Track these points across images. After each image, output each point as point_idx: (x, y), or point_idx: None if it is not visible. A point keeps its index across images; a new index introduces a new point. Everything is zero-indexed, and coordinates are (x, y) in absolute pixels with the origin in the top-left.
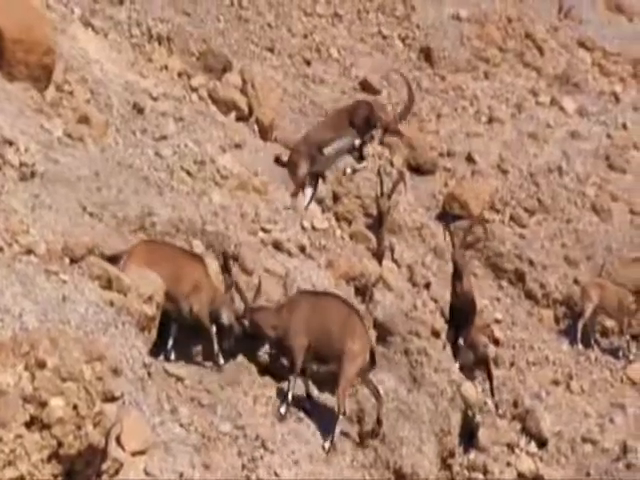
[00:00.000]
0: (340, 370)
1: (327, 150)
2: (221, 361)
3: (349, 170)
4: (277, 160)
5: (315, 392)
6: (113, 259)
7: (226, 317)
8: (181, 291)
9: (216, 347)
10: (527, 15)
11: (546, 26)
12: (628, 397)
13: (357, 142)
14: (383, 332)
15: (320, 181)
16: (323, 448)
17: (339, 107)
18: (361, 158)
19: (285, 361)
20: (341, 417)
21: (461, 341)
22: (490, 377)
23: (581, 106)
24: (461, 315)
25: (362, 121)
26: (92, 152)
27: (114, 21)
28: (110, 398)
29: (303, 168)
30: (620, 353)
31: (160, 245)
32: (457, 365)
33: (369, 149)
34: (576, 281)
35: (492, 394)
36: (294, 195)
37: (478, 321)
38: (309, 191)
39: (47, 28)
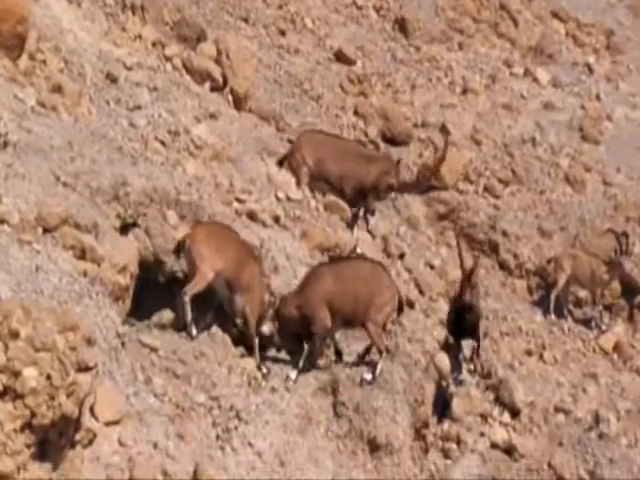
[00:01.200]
0: (367, 318)
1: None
2: (264, 370)
3: None
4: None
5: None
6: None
7: (267, 327)
8: (239, 284)
9: (257, 354)
10: None
11: None
12: (600, 367)
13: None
14: None
15: None
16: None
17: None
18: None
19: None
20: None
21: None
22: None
23: (555, 77)
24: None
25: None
26: (65, 122)
27: None
28: (84, 368)
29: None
30: (593, 323)
31: (224, 230)
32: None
33: None
34: (549, 252)
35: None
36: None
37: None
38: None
39: None
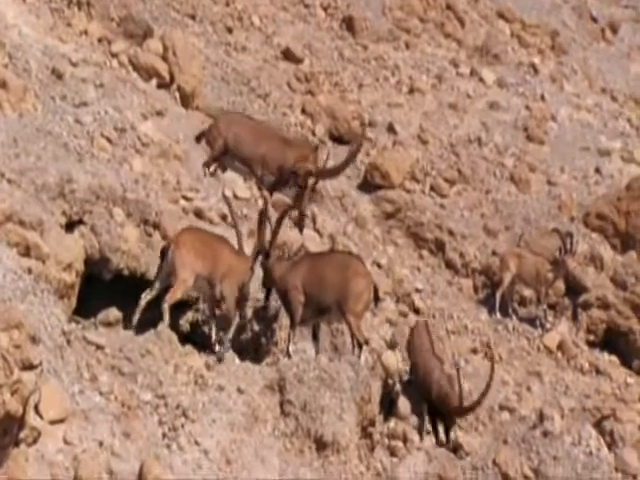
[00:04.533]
0: (347, 310)
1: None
2: (221, 351)
3: None
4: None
5: (236, 361)
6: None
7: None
8: (217, 277)
9: (231, 333)
10: None
11: None
12: (544, 365)
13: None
14: None
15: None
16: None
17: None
18: None
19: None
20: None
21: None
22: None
23: (500, 77)
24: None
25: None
26: (10, 118)
27: None
28: (28, 366)
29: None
30: (537, 322)
31: (207, 235)
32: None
33: None
34: (495, 251)
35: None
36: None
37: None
38: None
39: None
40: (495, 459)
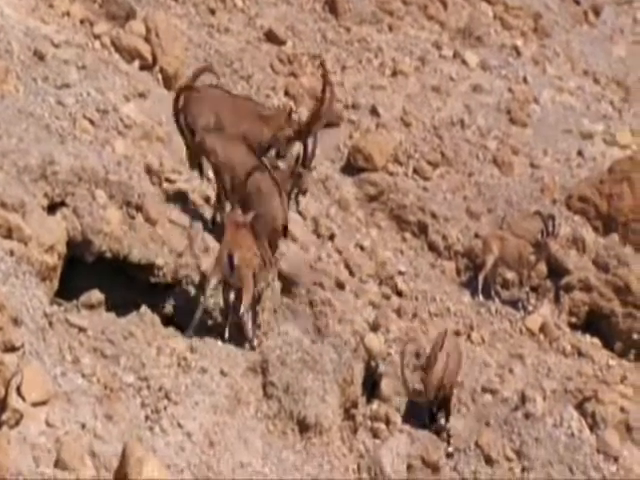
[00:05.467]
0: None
1: None
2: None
3: None
4: None
5: (219, 343)
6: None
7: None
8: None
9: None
10: None
11: None
12: (527, 348)
13: None
14: (287, 283)
15: None
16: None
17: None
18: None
19: None
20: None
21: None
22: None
23: (483, 60)
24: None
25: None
26: None
27: None
28: (10, 348)
29: None
30: (519, 304)
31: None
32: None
33: None
34: (477, 234)
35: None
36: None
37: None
38: None
39: None
40: (477, 441)
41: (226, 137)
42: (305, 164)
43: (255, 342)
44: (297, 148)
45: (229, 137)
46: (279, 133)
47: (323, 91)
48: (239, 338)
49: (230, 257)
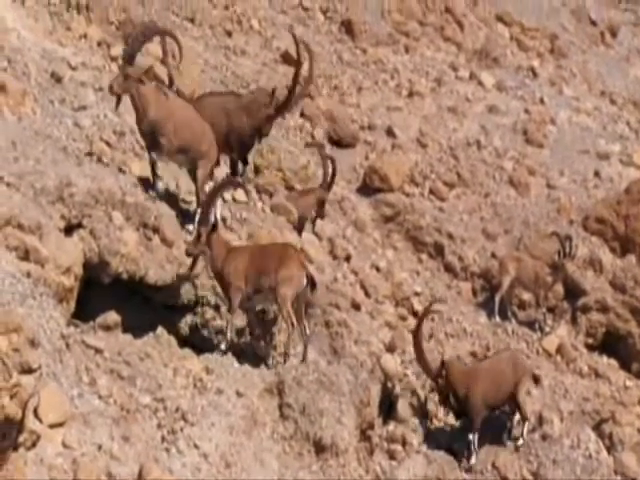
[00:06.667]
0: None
1: None
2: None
3: None
4: None
5: (235, 364)
6: None
7: None
8: None
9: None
10: None
11: (466, 0)
12: (544, 368)
13: None
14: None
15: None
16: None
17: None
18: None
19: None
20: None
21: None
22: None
23: (499, 81)
24: None
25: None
26: (9, 121)
27: None
28: (27, 370)
29: None
30: (536, 325)
31: None
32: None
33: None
34: (494, 255)
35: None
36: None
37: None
38: None
39: None
40: (494, 462)
41: None
42: (326, 185)
43: (271, 362)
44: (319, 172)
45: None
46: (262, 122)
47: (298, 59)
48: (255, 359)
49: (310, 277)
